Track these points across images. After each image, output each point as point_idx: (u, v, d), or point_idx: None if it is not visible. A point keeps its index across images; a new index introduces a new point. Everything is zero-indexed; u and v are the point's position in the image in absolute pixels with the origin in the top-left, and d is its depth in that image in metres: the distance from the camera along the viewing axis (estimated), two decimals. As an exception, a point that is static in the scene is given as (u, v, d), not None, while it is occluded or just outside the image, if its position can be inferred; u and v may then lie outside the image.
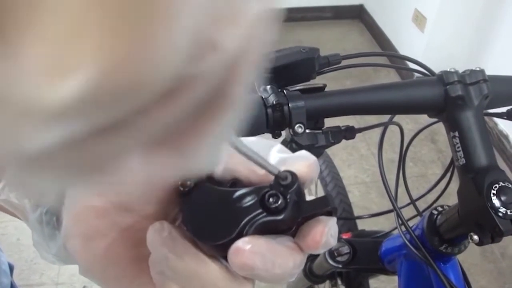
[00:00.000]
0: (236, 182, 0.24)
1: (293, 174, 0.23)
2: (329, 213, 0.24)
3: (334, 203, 0.24)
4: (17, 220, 0.28)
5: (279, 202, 0.22)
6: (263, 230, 0.22)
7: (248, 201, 0.23)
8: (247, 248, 0.21)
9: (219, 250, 0.22)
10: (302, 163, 0.24)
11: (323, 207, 0.23)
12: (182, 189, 0.24)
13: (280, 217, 0.22)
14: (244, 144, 0.21)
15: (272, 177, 0.23)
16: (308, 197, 0.24)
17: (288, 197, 0.22)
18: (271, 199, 0.22)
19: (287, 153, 0.25)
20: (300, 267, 0.23)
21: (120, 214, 0.24)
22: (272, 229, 0.23)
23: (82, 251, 0.25)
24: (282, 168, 0.23)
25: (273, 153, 0.24)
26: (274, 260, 0.22)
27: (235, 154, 0.23)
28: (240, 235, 0.22)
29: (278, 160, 0.24)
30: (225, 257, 0.22)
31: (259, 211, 0.22)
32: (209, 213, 0.23)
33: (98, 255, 0.24)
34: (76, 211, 0.24)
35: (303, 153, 0.25)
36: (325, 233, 0.23)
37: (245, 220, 0.22)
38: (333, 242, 0.23)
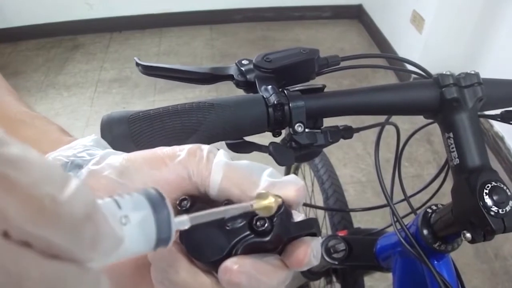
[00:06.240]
0: (229, 203, 0.26)
1: (279, 201, 0.25)
2: (314, 234, 0.26)
3: (319, 226, 0.26)
4: None
5: (265, 226, 0.24)
6: (251, 250, 0.25)
7: (238, 223, 0.25)
8: (235, 268, 0.23)
9: (211, 267, 0.25)
10: (291, 187, 0.26)
11: (308, 229, 0.26)
12: (179, 208, 0.26)
13: (266, 239, 0.25)
14: (202, 214, 0.23)
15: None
16: (298, 217, 0.26)
17: (274, 220, 0.25)
18: (258, 223, 0.24)
19: (277, 177, 0.27)
20: (285, 282, 0.26)
21: None
22: (259, 249, 0.25)
23: None
24: (272, 192, 0.25)
25: (264, 176, 0.26)
26: (259, 278, 0.24)
27: (229, 177, 0.26)
28: (229, 254, 0.24)
29: (268, 184, 0.26)
30: (217, 271, 0.24)
31: (248, 233, 0.25)
32: (203, 233, 0.25)
33: None
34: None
35: (292, 177, 0.27)
36: (308, 253, 0.25)
37: (234, 241, 0.24)
38: (315, 262, 0.26)
